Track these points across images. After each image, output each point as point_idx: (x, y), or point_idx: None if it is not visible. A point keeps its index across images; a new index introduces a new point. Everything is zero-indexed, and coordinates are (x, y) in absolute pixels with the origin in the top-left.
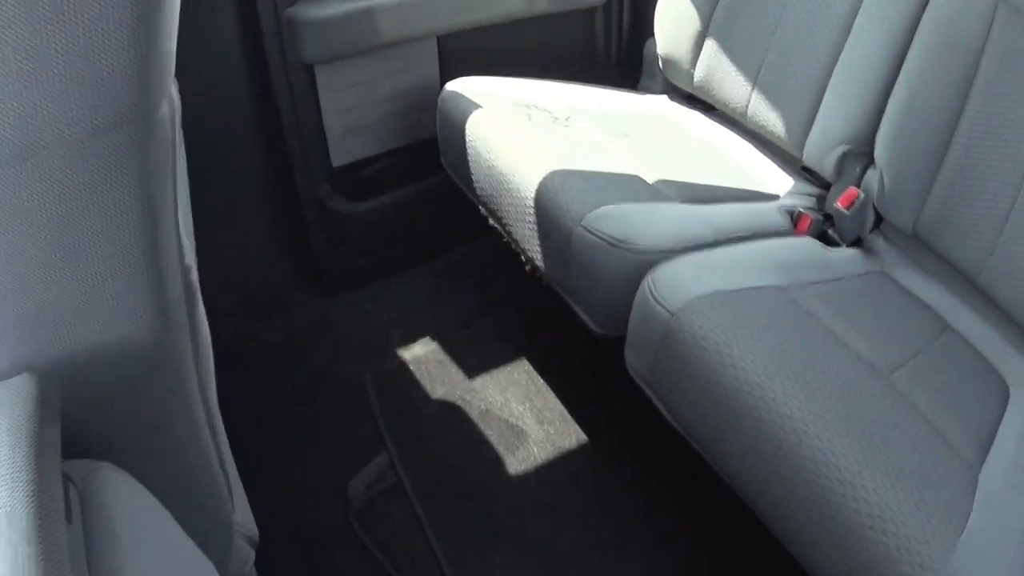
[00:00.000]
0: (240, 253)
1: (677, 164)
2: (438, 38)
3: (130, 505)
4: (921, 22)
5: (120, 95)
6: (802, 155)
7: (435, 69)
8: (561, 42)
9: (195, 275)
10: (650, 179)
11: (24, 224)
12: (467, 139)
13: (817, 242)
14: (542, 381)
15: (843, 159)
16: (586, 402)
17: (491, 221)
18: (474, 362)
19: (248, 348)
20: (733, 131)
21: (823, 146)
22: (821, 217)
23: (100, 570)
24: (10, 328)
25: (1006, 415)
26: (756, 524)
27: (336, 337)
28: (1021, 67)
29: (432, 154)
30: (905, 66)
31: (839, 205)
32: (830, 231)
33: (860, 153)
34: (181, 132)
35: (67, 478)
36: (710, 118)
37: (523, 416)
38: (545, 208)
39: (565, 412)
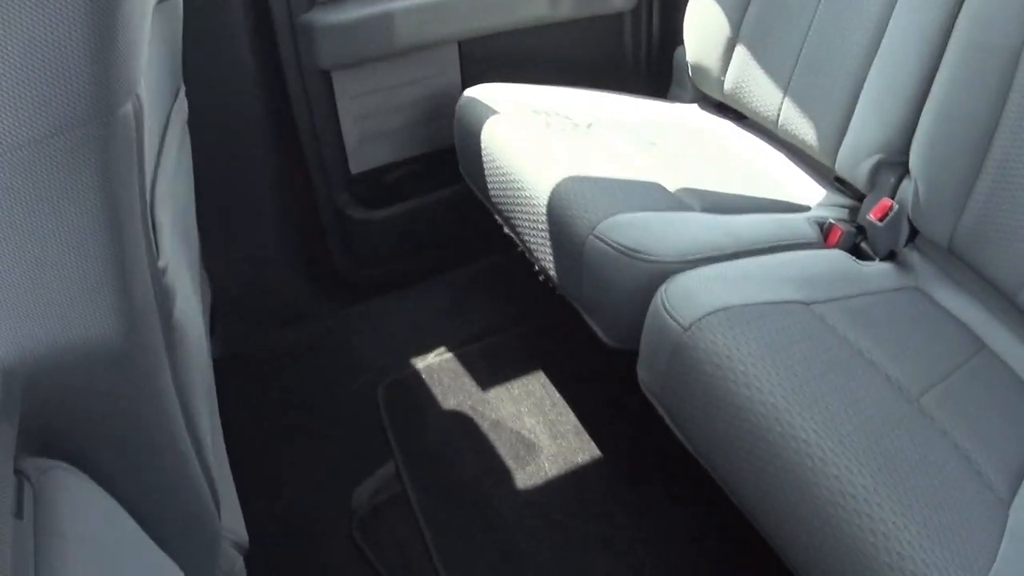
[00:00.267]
0: (255, 260)
1: (702, 173)
2: (459, 43)
3: (79, 504)
4: (955, 26)
5: (78, 96)
6: (834, 165)
7: (456, 75)
8: (587, 49)
9: (185, 278)
10: (672, 188)
11: None
12: (483, 146)
13: (848, 255)
14: (558, 395)
15: (877, 169)
16: (601, 418)
17: (506, 230)
18: (488, 374)
19: (262, 358)
20: (765, 141)
21: (856, 155)
22: (853, 229)
23: (45, 568)
24: None
25: None
26: (774, 556)
27: (351, 346)
28: None
29: (452, 162)
30: (940, 72)
31: (872, 217)
32: (863, 244)
33: (895, 163)
34: (187, 134)
35: (23, 475)
36: (741, 127)
37: (535, 430)
38: (558, 216)
39: (580, 427)
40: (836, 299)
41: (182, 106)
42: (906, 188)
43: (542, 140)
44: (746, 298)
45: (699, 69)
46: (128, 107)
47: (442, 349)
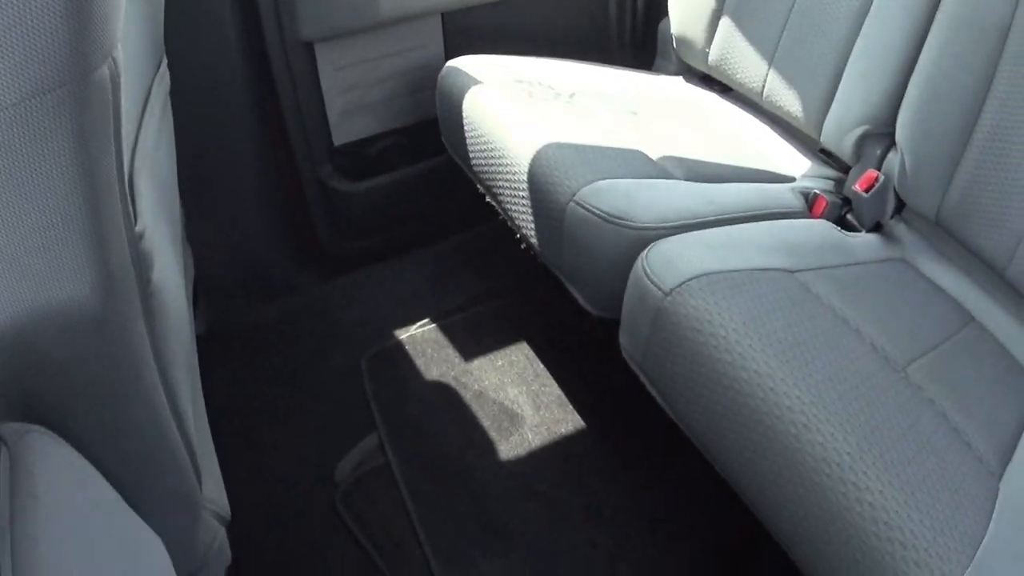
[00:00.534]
0: (238, 233)
1: (686, 143)
2: (443, 15)
3: (58, 470)
4: None
5: (53, 58)
6: (820, 136)
7: (440, 47)
8: (572, 21)
9: (166, 245)
10: (654, 156)
11: None
12: (465, 116)
13: (833, 226)
14: (541, 366)
15: (862, 140)
16: (585, 388)
17: (488, 199)
18: (472, 345)
19: (245, 328)
20: (750, 112)
21: (842, 127)
22: (839, 200)
23: (20, 532)
24: None
25: None
26: (757, 524)
27: (334, 318)
28: None
29: (436, 134)
30: (927, 44)
31: (858, 188)
32: (848, 216)
33: (881, 134)
34: (168, 105)
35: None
36: (726, 99)
37: (519, 400)
38: (538, 183)
39: (563, 397)
40: (821, 268)
41: (164, 78)
42: (892, 160)
43: (524, 109)
44: (729, 264)
45: (684, 41)
46: (104, 70)
47: (425, 320)
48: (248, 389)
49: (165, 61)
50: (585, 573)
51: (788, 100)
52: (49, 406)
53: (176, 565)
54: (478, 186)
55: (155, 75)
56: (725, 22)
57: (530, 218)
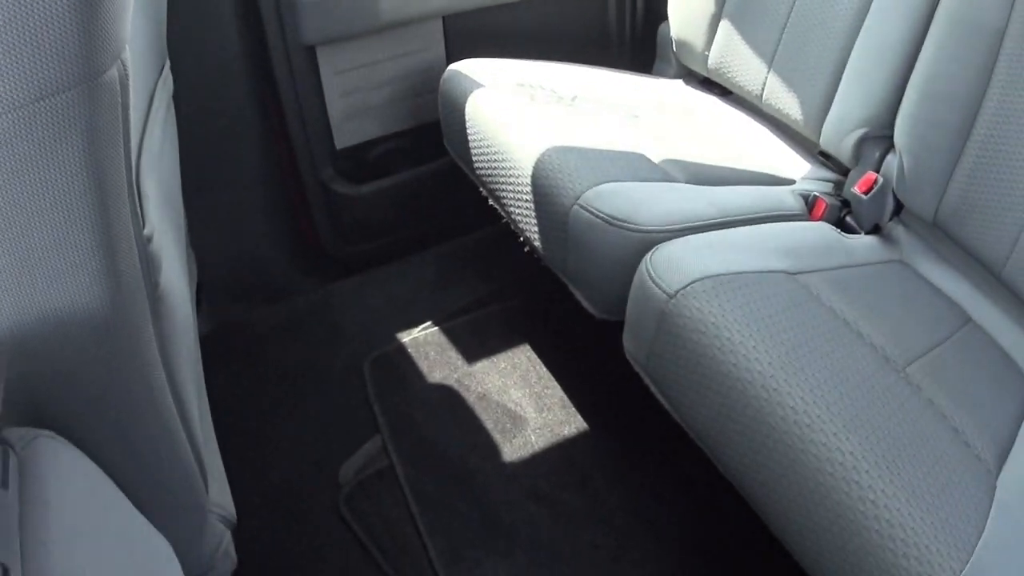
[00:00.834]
0: (241, 236)
1: (687, 146)
2: (444, 19)
3: (68, 474)
4: (940, 2)
5: (63, 59)
6: (819, 139)
7: (441, 51)
8: (572, 24)
9: (171, 248)
10: (656, 159)
11: None
12: (467, 119)
13: (833, 228)
14: (544, 368)
15: (861, 143)
16: (588, 390)
17: (491, 202)
18: (474, 347)
19: (248, 333)
20: (749, 115)
21: (841, 130)
22: (838, 203)
23: (30, 537)
24: None
25: None
26: (759, 525)
27: (336, 321)
28: None
29: (437, 137)
30: (925, 47)
31: (857, 190)
32: (847, 218)
33: (879, 137)
34: (172, 108)
35: (8, 444)
36: (726, 103)
37: (522, 402)
38: (542, 187)
39: (566, 399)
40: (821, 270)
41: (167, 81)
42: (891, 162)
43: (526, 112)
44: (731, 267)
45: (683, 44)
46: (113, 72)
47: (428, 323)
48: (250, 391)
49: (168, 64)
50: (588, 574)
51: (787, 103)
52: (57, 411)
53: (183, 570)
54: (481, 189)
55: (158, 78)
56: (724, 26)
57: (534, 221)
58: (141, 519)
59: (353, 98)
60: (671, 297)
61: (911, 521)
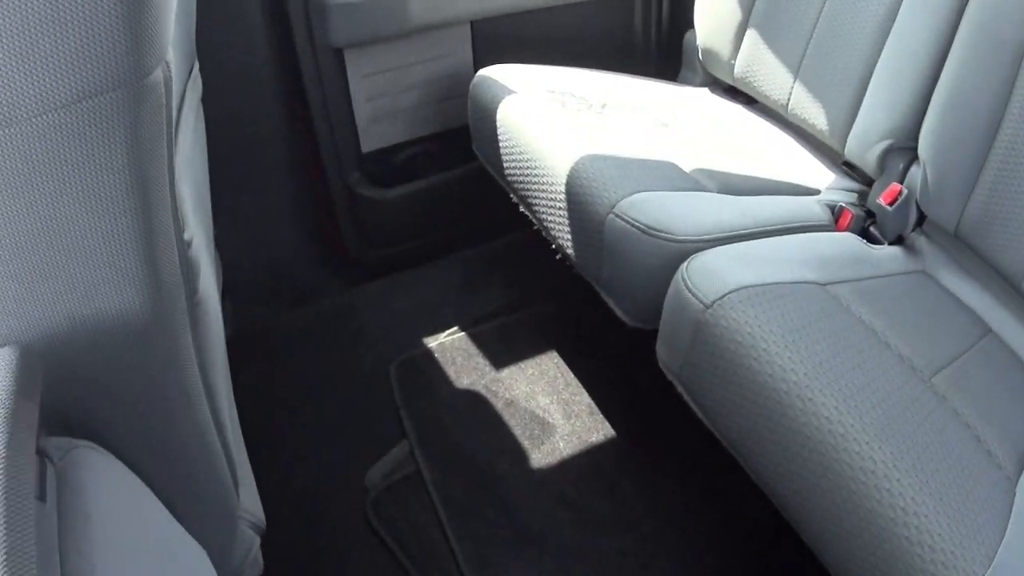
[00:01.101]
0: (267, 239)
1: (716, 155)
2: (472, 23)
3: (108, 485)
4: (965, 13)
5: (110, 59)
6: (844, 150)
7: (468, 55)
8: (598, 31)
9: (204, 253)
10: (687, 168)
11: (3, 193)
12: (498, 125)
13: (859, 238)
14: (571, 375)
15: (886, 154)
16: (617, 397)
17: (522, 209)
18: (502, 353)
19: (273, 336)
20: (774, 124)
21: (866, 141)
22: (863, 213)
23: (71, 550)
24: None
25: None
26: (789, 532)
27: (361, 325)
28: None
29: (464, 142)
30: (949, 59)
31: (882, 201)
32: (871, 228)
33: (904, 148)
34: (201, 111)
35: (45, 456)
36: (751, 111)
37: (549, 409)
38: (577, 195)
39: (594, 407)
40: (849, 280)
41: (196, 83)
42: (915, 174)
43: (558, 120)
44: (765, 277)
45: (709, 52)
46: (158, 73)
47: (454, 328)
48: (275, 394)
49: (197, 66)
50: None
51: (813, 113)
52: (91, 418)
53: None
54: (511, 196)
55: (188, 80)
56: (751, 35)
57: (567, 229)
58: (180, 529)
59: (380, 102)
60: (708, 307)
61: (938, 527)
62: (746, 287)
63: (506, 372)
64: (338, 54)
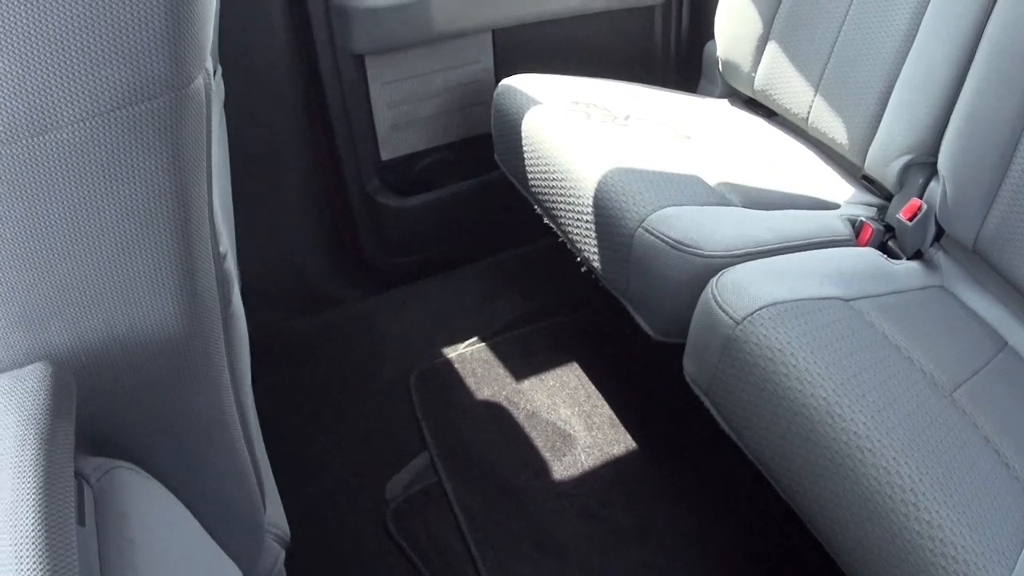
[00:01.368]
0: (285, 247)
1: (738, 168)
2: (493, 32)
3: (147, 507)
4: (986, 30)
5: (153, 65)
6: (864, 164)
7: (490, 64)
8: (619, 41)
9: (231, 264)
10: (712, 182)
11: (40, 202)
12: (523, 136)
13: (879, 253)
14: (593, 386)
15: (906, 169)
16: (639, 409)
17: (546, 220)
18: (522, 364)
19: (290, 344)
20: (794, 138)
21: (886, 155)
22: (883, 228)
23: (112, 575)
24: (26, 314)
25: None
26: (812, 546)
27: (381, 335)
28: None
29: (485, 150)
30: (970, 76)
31: (901, 216)
32: (891, 243)
33: (924, 163)
34: (224, 117)
35: (82, 477)
36: (771, 124)
37: (571, 420)
38: (605, 209)
39: (615, 418)
40: (871, 296)
41: (219, 88)
42: (934, 189)
43: (584, 131)
44: (793, 294)
45: (730, 64)
46: (200, 81)
47: (474, 339)
48: (293, 403)
49: (220, 71)
50: None
51: (833, 127)
52: (124, 436)
53: None
54: (535, 206)
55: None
56: (772, 47)
57: (594, 241)
58: (216, 548)
59: (400, 109)
60: (738, 323)
61: (961, 540)
62: (775, 303)
63: (526, 383)
64: (359, 60)
